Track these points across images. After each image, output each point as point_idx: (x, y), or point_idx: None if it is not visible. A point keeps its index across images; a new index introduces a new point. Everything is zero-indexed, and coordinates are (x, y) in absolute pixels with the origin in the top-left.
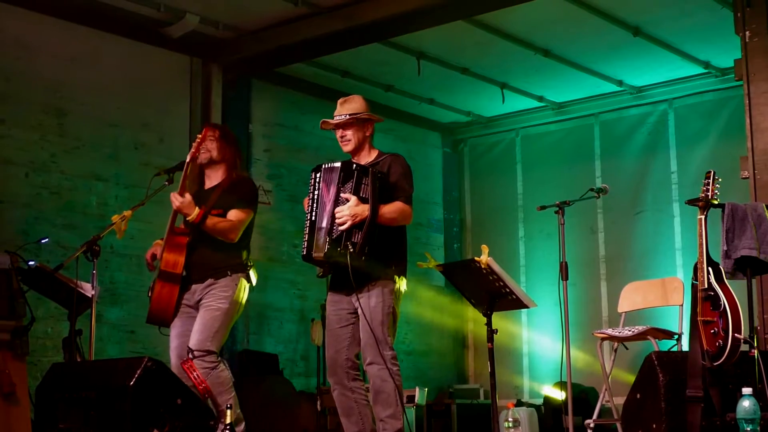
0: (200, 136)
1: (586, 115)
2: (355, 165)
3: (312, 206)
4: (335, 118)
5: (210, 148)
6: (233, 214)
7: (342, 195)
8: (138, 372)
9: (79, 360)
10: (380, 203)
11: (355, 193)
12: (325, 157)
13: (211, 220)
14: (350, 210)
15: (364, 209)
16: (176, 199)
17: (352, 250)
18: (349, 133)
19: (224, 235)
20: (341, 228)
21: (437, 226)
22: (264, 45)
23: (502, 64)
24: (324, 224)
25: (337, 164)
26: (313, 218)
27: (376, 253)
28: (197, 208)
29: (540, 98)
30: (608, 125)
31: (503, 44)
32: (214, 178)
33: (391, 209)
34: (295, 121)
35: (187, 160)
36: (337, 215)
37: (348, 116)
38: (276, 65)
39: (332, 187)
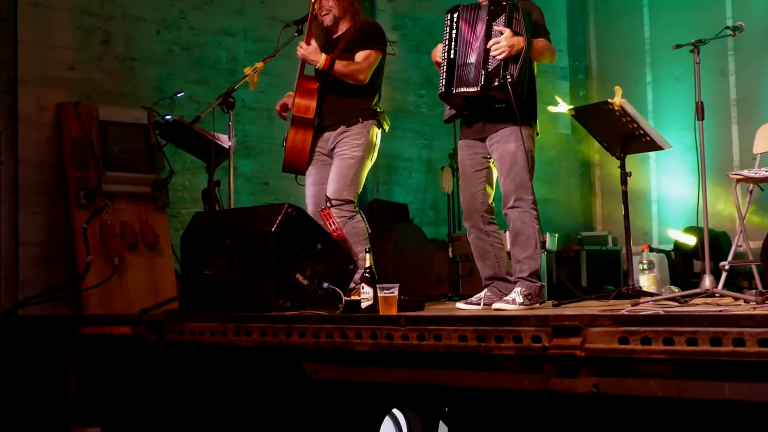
0: None
1: None
2: (504, 0)
3: (449, 45)
4: None
5: (329, 7)
6: (361, 56)
7: (495, 28)
8: (279, 218)
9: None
10: None
11: (508, 26)
12: (450, 5)
13: (340, 64)
14: (507, 41)
15: (520, 40)
16: (301, 48)
17: (510, 79)
18: None
19: (354, 77)
20: (498, 58)
21: (562, 74)
22: None
23: None
24: (472, 60)
25: (483, 2)
26: (452, 56)
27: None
28: (323, 54)
29: None
30: None
31: None
32: (340, 30)
33: (541, 44)
34: None
35: (312, 1)
36: (493, 47)
37: None
38: None
39: (479, 24)
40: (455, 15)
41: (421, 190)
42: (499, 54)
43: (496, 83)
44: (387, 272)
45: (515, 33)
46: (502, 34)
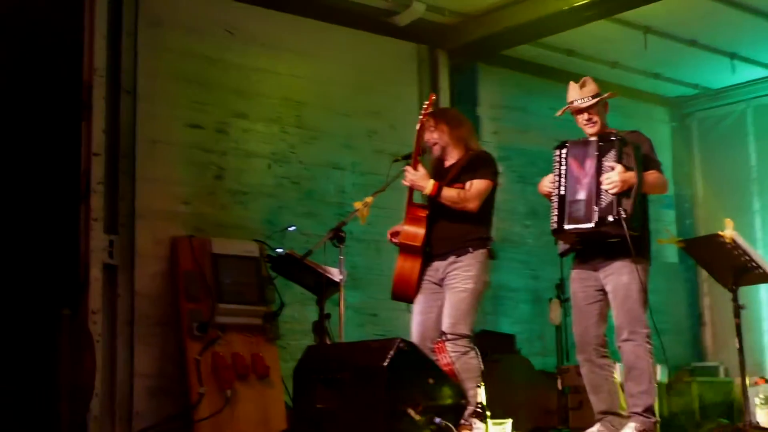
0: (427, 103)
1: None
2: (612, 135)
3: (559, 181)
4: (577, 101)
5: (436, 138)
6: (470, 184)
7: (606, 164)
8: (391, 353)
9: (328, 343)
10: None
11: (618, 161)
12: (553, 137)
13: (447, 190)
14: (619, 176)
15: (632, 175)
16: (409, 173)
17: (624, 215)
18: (595, 116)
19: (462, 204)
20: (611, 193)
21: (668, 203)
22: (488, 29)
23: (731, 33)
24: (581, 196)
25: (591, 138)
26: (563, 192)
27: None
28: (432, 180)
29: None
30: None
31: (732, 13)
32: (451, 159)
33: (653, 177)
34: (521, 103)
35: (417, 128)
36: (605, 182)
37: (592, 98)
38: (501, 48)
39: (588, 160)
40: (563, 151)
41: (528, 320)
42: (612, 189)
43: (611, 219)
44: (494, 404)
45: (626, 168)
46: (613, 169)
